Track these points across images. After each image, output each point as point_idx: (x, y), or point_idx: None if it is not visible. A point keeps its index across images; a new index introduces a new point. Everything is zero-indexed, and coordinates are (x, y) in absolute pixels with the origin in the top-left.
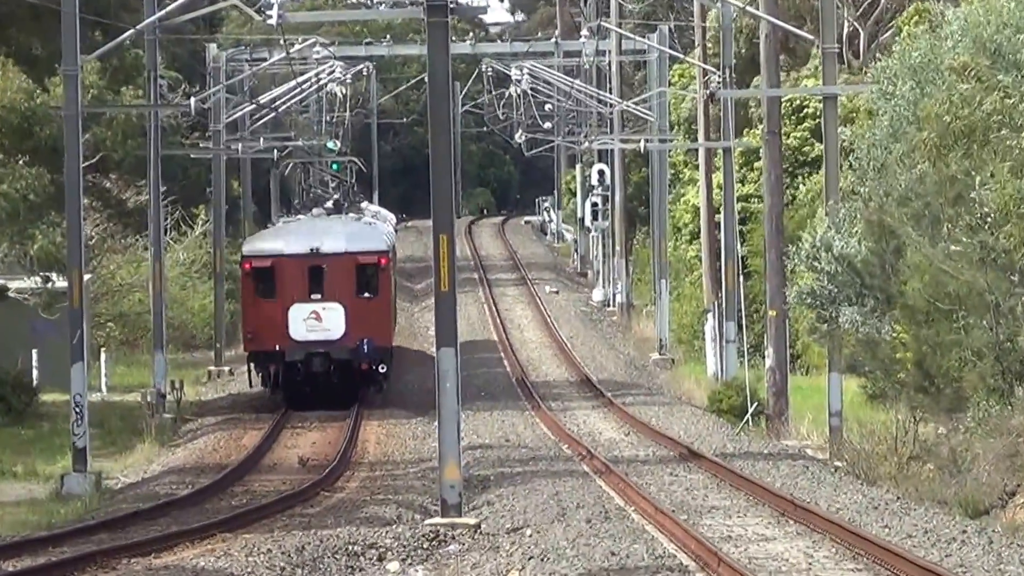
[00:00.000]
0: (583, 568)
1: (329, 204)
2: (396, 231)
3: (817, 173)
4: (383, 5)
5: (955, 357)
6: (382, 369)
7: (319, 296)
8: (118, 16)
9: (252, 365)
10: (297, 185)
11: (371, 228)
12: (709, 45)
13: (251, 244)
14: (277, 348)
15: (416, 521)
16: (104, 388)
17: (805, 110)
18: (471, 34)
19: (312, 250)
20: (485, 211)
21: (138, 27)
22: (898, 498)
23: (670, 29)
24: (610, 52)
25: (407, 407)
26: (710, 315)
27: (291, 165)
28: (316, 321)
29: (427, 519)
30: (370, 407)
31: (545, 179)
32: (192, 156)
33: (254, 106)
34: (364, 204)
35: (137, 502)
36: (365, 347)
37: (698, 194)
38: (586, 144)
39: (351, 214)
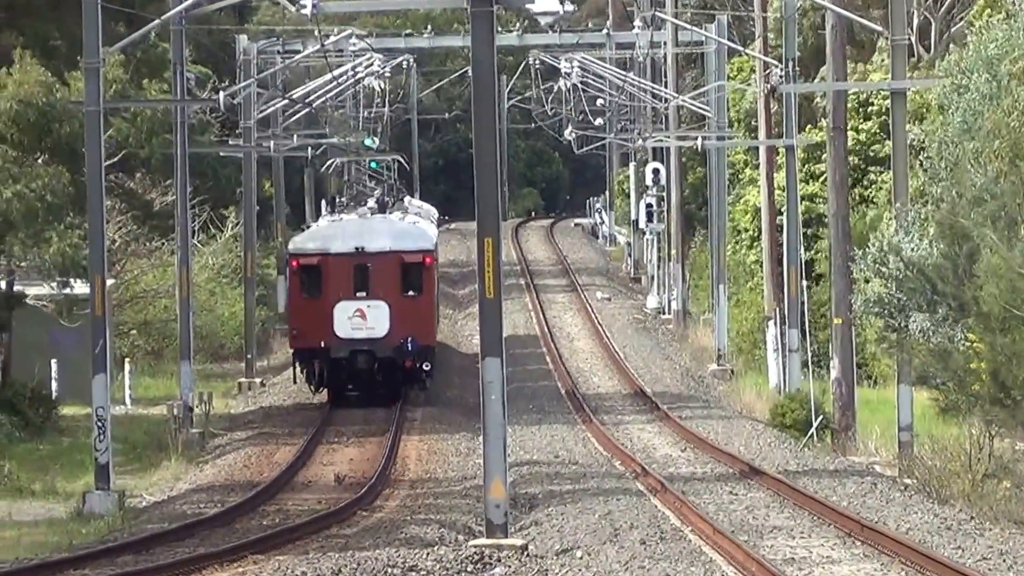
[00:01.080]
0: None
1: (372, 202)
2: (438, 225)
3: (886, 172)
4: None
5: None
6: (426, 367)
7: (364, 294)
8: (143, 6)
9: (296, 362)
10: (343, 182)
11: (415, 227)
12: (771, 36)
13: (298, 242)
14: (322, 345)
15: (459, 542)
16: (128, 401)
17: (871, 106)
18: (517, 24)
19: (358, 249)
20: (533, 213)
21: (163, 17)
22: (972, 518)
23: (729, 19)
24: (665, 44)
25: (450, 421)
26: (772, 323)
27: (332, 164)
28: (361, 319)
29: (471, 540)
30: (411, 422)
31: (596, 179)
32: (221, 154)
33: (287, 101)
34: (407, 199)
35: (163, 522)
36: (409, 345)
37: (759, 195)
38: (640, 141)
39: (396, 212)
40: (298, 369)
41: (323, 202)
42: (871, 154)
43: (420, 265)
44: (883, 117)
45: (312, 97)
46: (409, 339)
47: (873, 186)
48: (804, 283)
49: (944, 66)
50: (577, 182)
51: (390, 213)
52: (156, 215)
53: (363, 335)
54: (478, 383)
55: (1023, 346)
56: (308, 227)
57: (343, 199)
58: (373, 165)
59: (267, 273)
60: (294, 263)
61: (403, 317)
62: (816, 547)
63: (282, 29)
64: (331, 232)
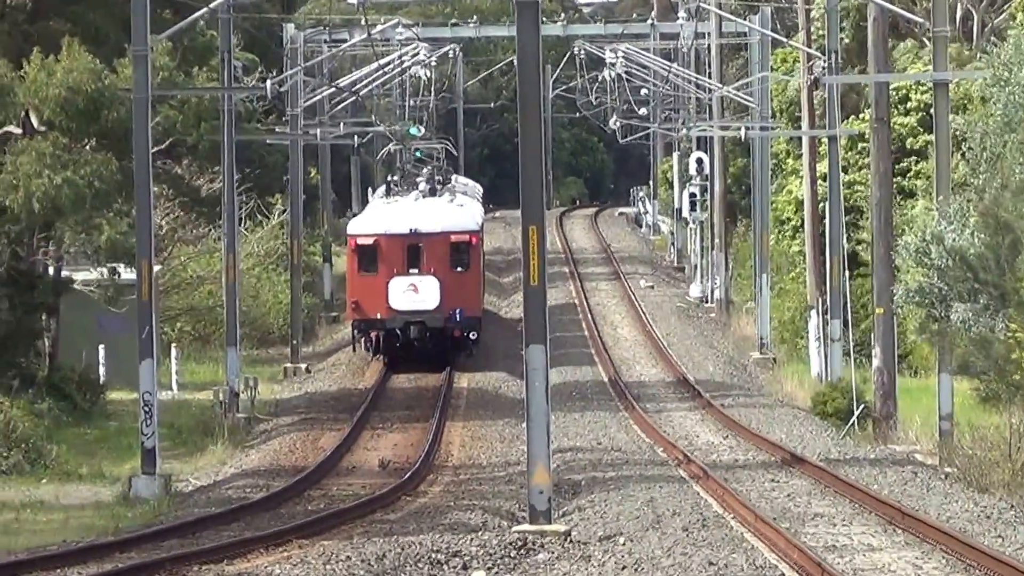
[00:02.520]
0: None
1: (424, 184)
2: (482, 204)
3: (923, 162)
4: None
5: None
6: (472, 336)
7: (416, 271)
8: None
9: (355, 332)
10: (396, 167)
11: (463, 209)
12: (814, 28)
13: (356, 224)
14: (379, 316)
15: (503, 528)
16: (174, 386)
17: (909, 102)
18: (562, 15)
19: (411, 230)
20: (577, 201)
21: (211, 5)
22: (1012, 507)
23: (772, 11)
24: (709, 35)
25: (494, 407)
26: (814, 312)
27: (384, 152)
28: (414, 293)
29: (515, 526)
30: (455, 408)
31: (640, 168)
32: (268, 142)
33: (333, 89)
34: (454, 177)
35: (209, 506)
36: (457, 316)
37: (801, 185)
38: (684, 131)
39: (445, 193)
40: (357, 338)
41: (369, 189)
42: (907, 146)
43: (467, 244)
44: (921, 113)
45: (358, 86)
46: (457, 311)
47: (910, 175)
48: (846, 273)
49: (986, 58)
50: (621, 171)
51: (439, 195)
52: (203, 202)
53: (416, 307)
54: (521, 368)
55: None
56: (354, 214)
57: (396, 181)
58: (418, 154)
59: (313, 260)
60: (352, 243)
61: (452, 291)
62: (857, 535)
63: (329, 19)
64: (386, 214)
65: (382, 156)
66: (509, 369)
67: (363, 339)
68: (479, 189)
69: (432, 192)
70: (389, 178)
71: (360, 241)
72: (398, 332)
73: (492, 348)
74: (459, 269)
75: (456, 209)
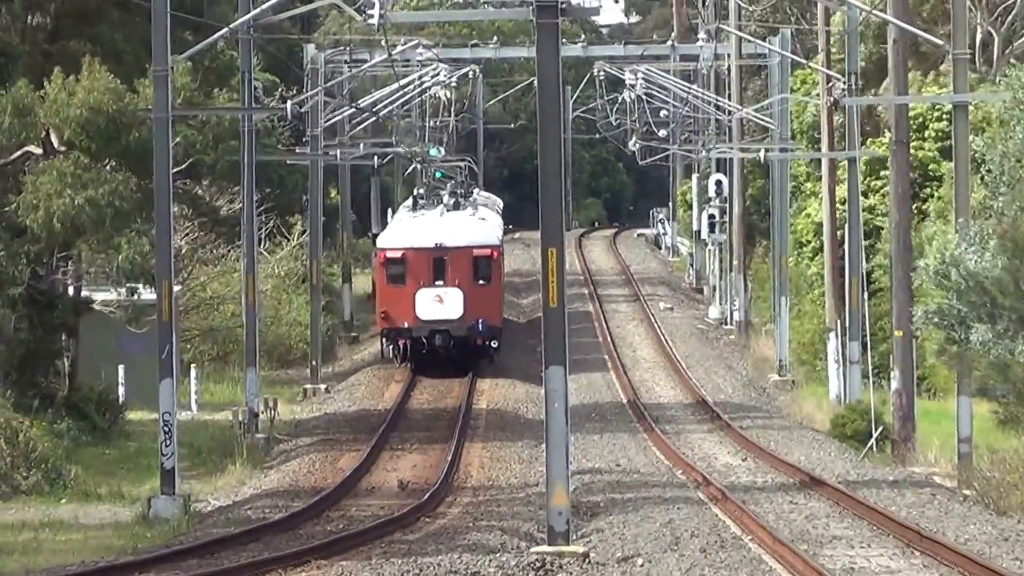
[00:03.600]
0: None
1: (448, 198)
2: (502, 217)
3: (942, 187)
4: (490, 5)
5: None
6: (493, 344)
7: (442, 282)
8: (211, 14)
9: (384, 340)
10: (422, 183)
11: (485, 223)
12: (833, 50)
13: (385, 237)
14: (406, 325)
15: (521, 549)
16: (194, 406)
17: (927, 129)
18: (582, 36)
19: (436, 244)
20: (597, 223)
21: (231, 26)
22: None
23: (792, 33)
24: (729, 56)
25: (513, 428)
26: (833, 335)
27: (407, 170)
28: (439, 303)
29: (533, 547)
30: (474, 429)
31: (660, 189)
32: (288, 162)
33: (353, 110)
34: (475, 191)
35: (228, 527)
36: (480, 326)
37: (820, 207)
38: (703, 153)
39: (467, 208)
40: (386, 345)
41: (389, 210)
42: (930, 172)
43: (489, 258)
44: (940, 142)
45: (378, 106)
46: (480, 321)
47: (931, 200)
48: (865, 295)
49: (1006, 80)
50: (640, 193)
51: (463, 209)
52: (223, 222)
53: (441, 316)
54: (540, 389)
55: None
56: (374, 234)
57: (422, 194)
58: (439, 175)
59: (332, 281)
60: (381, 256)
61: (474, 302)
62: (875, 557)
63: (349, 39)
64: (413, 228)
65: (405, 175)
66: (524, 375)
67: (391, 346)
68: (499, 203)
69: (456, 206)
70: (416, 191)
71: (389, 254)
72: (424, 340)
73: (511, 367)
74: (481, 282)
75: (479, 223)
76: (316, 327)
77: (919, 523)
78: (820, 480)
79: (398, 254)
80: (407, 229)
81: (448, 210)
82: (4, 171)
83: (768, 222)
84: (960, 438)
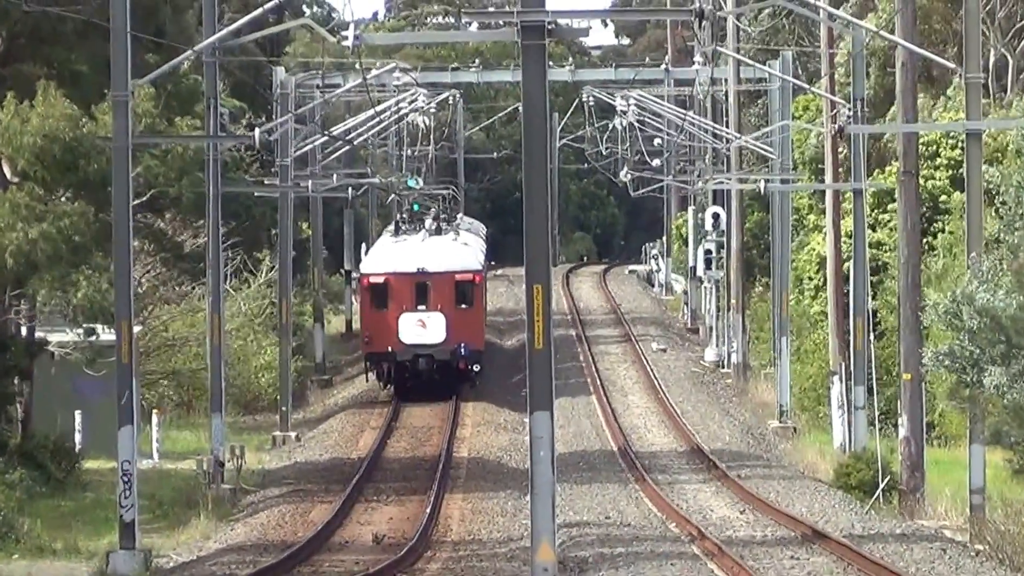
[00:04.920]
0: None
1: (430, 222)
2: (485, 239)
3: (953, 220)
4: (472, 26)
5: None
6: (476, 368)
7: (424, 307)
8: (174, 36)
9: (367, 364)
10: (394, 219)
11: (467, 248)
12: (838, 74)
13: (368, 263)
14: (389, 349)
15: None
16: (155, 454)
17: (938, 156)
18: (570, 59)
19: (419, 269)
20: (585, 258)
21: (196, 48)
22: None
23: (794, 56)
24: (726, 81)
25: (495, 478)
26: (836, 378)
27: (386, 201)
28: (422, 328)
29: None
30: (454, 479)
31: (653, 223)
32: (256, 194)
33: (326, 138)
34: (459, 216)
35: None
36: (462, 350)
37: (824, 242)
38: (699, 184)
39: (450, 233)
40: (369, 370)
41: (363, 245)
42: (940, 205)
43: (471, 283)
44: (952, 171)
45: (353, 134)
46: (462, 345)
47: (941, 235)
48: (871, 336)
49: (1022, 106)
50: (632, 226)
51: (445, 234)
52: (186, 258)
53: (424, 341)
54: (525, 438)
55: None
56: (347, 271)
57: (404, 219)
58: (415, 207)
59: (303, 320)
60: (364, 281)
61: (457, 326)
62: None
63: (321, 61)
64: (396, 253)
65: (389, 203)
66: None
67: (375, 371)
68: (483, 228)
69: (438, 231)
70: (397, 216)
71: (372, 280)
72: (407, 364)
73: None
74: (463, 306)
75: (461, 248)
76: (286, 370)
77: None
78: (823, 534)
79: (381, 279)
80: (390, 254)
81: (430, 235)
82: None
83: (768, 258)
84: (972, 489)
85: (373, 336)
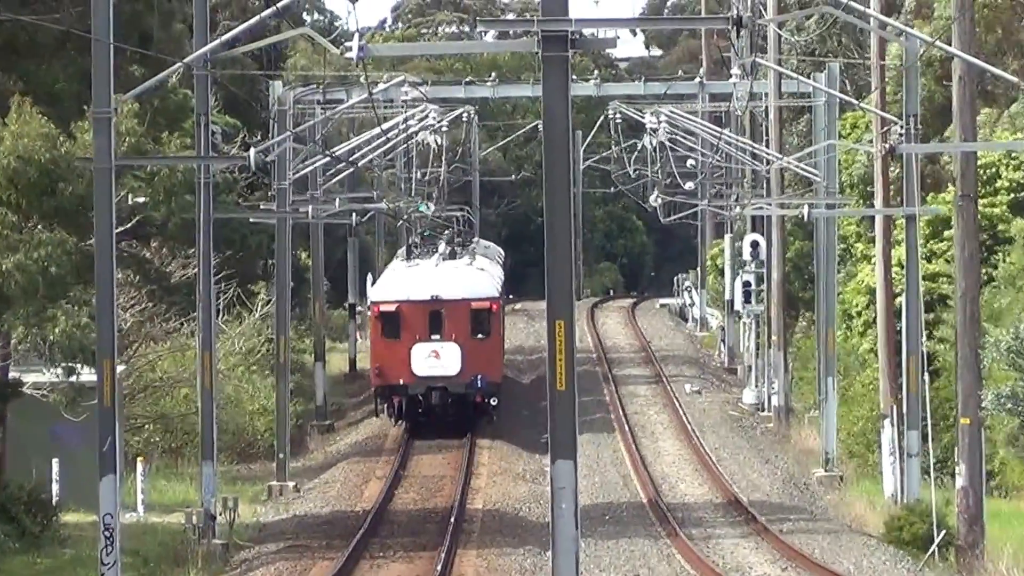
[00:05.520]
0: None
1: (444, 246)
2: (502, 264)
3: (1015, 251)
4: (488, 35)
5: None
6: (493, 402)
7: (438, 337)
8: (161, 47)
9: (378, 398)
10: (403, 241)
11: (483, 274)
12: (889, 88)
13: (378, 290)
14: (401, 382)
15: None
16: (140, 507)
17: (999, 179)
18: (596, 72)
19: (432, 297)
20: (612, 291)
21: (186, 60)
22: None
23: (841, 68)
24: (767, 95)
25: (514, 532)
26: (887, 422)
27: (401, 227)
28: (435, 359)
29: None
30: (468, 533)
31: (686, 252)
32: (251, 220)
33: (328, 159)
34: (475, 239)
35: None
36: (479, 382)
37: (873, 273)
38: (737, 209)
39: (465, 257)
40: (380, 404)
41: (368, 276)
42: (1000, 233)
43: (487, 311)
44: (1013, 195)
45: (357, 155)
46: (479, 377)
47: (1002, 265)
48: (926, 376)
49: None
50: (663, 256)
51: (460, 258)
52: (175, 290)
53: (438, 373)
54: (546, 488)
55: None
56: (351, 306)
57: (416, 243)
58: (426, 234)
59: (303, 359)
60: (375, 309)
61: (473, 357)
62: None
63: (323, 75)
64: (408, 279)
65: (398, 230)
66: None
67: (386, 405)
68: (500, 252)
69: (452, 255)
70: (410, 239)
71: (383, 308)
72: (420, 398)
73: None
74: (480, 336)
75: (476, 274)
76: (283, 414)
77: None
78: None
79: (392, 307)
80: (401, 280)
81: (444, 259)
82: None
83: (812, 291)
84: None
85: (383, 368)
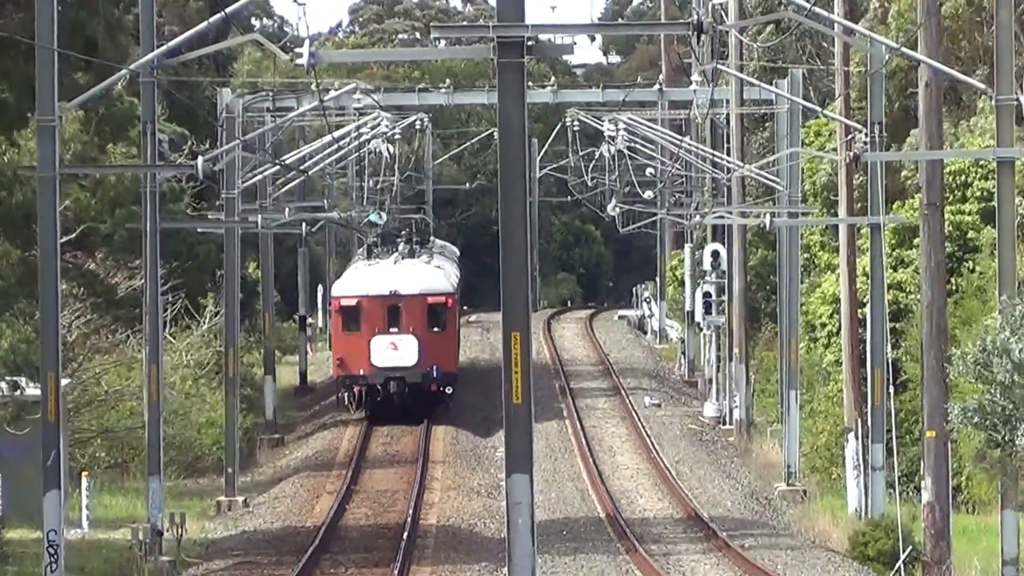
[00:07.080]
0: None
1: (403, 245)
2: (458, 263)
3: (985, 259)
4: (441, 42)
5: None
6: (448, 390)
7: (396, 330)
8: (107, 53)
9: (339, 388)
10: (354, 251)
11: (440, 271)
12: (853, 95)
13: (340, 286)
14: (361, 373)
15: None
16: (85, 523)
17: (969, 187)
18: (553, 79)
19: (391, 292)
20: (569, 302)
21: (132, 66)
22: None
23: (804, 75)
24: (728, 102)
25: (468, 548)
26: (852, 436)
27: (347, 237)
28: (394, 350)
29: None
30: (422, 548)
31: (645, 263)
32: (199, 230)
33: (278, 167)
34: (432, 239)
35: None
36: (435, 372)
37: (837, 283)
38: (697, 218)
39: (423, 256)
40: (341, 393)
41: (319, 287)
42: (969, 242)
43: (444, 305)
44: (982, 204)
45: (308, 163)
46: (435, 367)
47: (969, 275)
48: (890, 389)
49: None
50: (622, 266)
51: (418, 256)
52: (121, 303)
53: (396, 364)
54: (502, 509)
55: None
56: (300, 313)
57: (376, 243)
58: (385, 234)
59: (252, 372)
60: (337, 303)
61: (429, 349)
62: None
63: (272, 82)
64: (368, 276)
65: (349, 241)
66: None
67: (347, 394)
68: (456, 251)
69: (411, 254)
70: (369, 240)
71: (344, 302)
72: (379, 387)
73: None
74: (436, 328)
75: (433, 271)
76: (232, 428)
77: None
78: None
79: (353, 302)
80: (362, 277)
81: (403, 258)
82: None
83: (775, 301)
84: (1004, 560)
85: (345, 359)
